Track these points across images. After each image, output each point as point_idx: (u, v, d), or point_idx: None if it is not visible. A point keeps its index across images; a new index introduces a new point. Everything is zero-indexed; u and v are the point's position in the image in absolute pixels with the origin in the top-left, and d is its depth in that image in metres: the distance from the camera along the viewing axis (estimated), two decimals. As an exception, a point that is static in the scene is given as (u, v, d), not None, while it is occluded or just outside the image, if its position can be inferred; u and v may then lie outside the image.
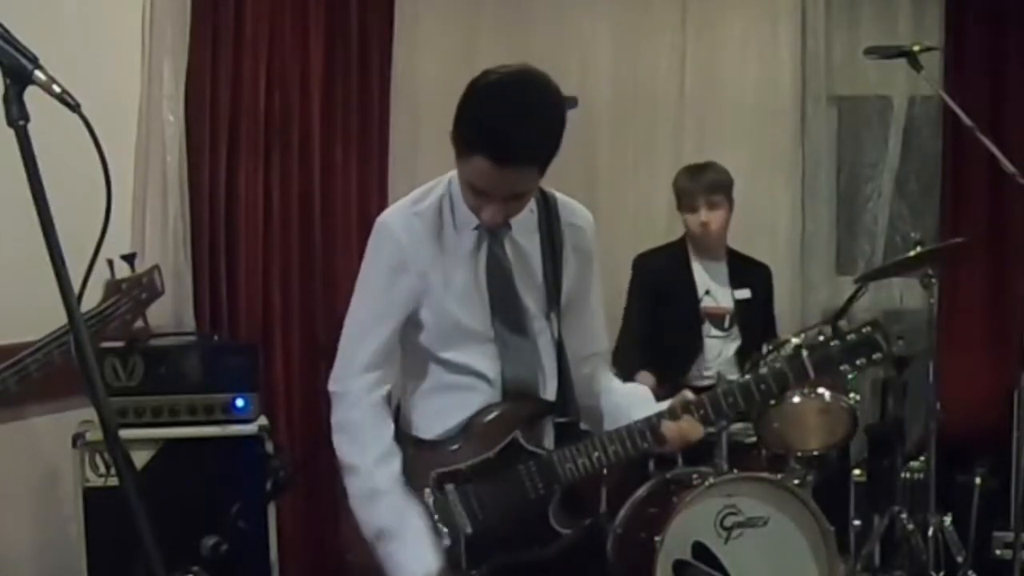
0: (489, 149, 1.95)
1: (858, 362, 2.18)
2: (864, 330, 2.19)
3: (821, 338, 2.24)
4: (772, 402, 3.44)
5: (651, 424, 2.17)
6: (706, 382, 3.60)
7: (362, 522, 2.15)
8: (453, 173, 2.17)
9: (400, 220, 2.17)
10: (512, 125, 1.95)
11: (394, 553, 2.11)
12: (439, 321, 2.16)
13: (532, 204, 2.22)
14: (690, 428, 2.17)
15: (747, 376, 2.22)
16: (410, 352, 2.23)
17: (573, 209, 2.30)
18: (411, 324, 2.19)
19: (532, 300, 2.21)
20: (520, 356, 2.18)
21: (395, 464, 2.16)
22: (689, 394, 2.21)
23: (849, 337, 2.19)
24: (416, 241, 2.13)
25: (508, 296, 2.18)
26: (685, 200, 3.77)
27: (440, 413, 2.20)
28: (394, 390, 2.25)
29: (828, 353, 2.18)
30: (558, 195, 2.29)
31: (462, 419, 2.18)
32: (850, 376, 2.25)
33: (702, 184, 3.73)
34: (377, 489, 2.13)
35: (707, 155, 4.13)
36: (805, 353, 2.18)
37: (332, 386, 2.21)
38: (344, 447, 2.18)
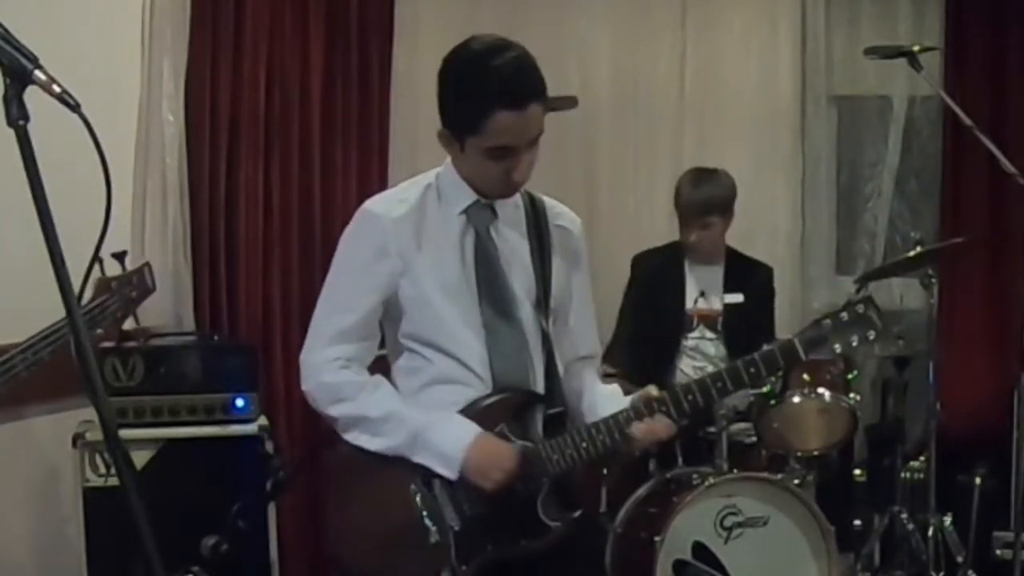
0: (505, 98, 1.99)
1: (852, 340, 2.10)
2: (858, 308, 2.11)
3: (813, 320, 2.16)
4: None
5: (618, 422, 2.13)
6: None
7: (389, 447, 2.13)
8: (439, 168, 2.22)
9: (383, 206, 2.18)
10: (512, 69, 2.01)
11: (434, 435, 2.10)
12: (422, 307, 2.14)
13: (518, 199, 2.23)
14: (659, 426, 2.12)
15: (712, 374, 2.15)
16: (397, 348, 2.22)
17: (560, 212, 2.31)
18: (393, 313, 2.17)
19: (520, 287, 2.19)
20: (508, 342, 2.15)
21: (387, 385, 2.18)
22: (654, 390, 2.16)
23: (841, 315, 2.11)
24: (399, 225, 2.14)
25: (495, 281, 2.16)
26: (680, 212, 3.74)
27: (428, 409, 2.16)
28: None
29: (819, 333, 2.11)
30: (545, 198, 2.30)
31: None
32: (837, 349, 2.14)
33: (698, 202, 3.66)
34: (388, 411, 2.13)
35: (707, 155, 4.13)
36: (796, 337, 2.11)
37: (302, 356, 2.21)
38: (333, 408, 2.17)
